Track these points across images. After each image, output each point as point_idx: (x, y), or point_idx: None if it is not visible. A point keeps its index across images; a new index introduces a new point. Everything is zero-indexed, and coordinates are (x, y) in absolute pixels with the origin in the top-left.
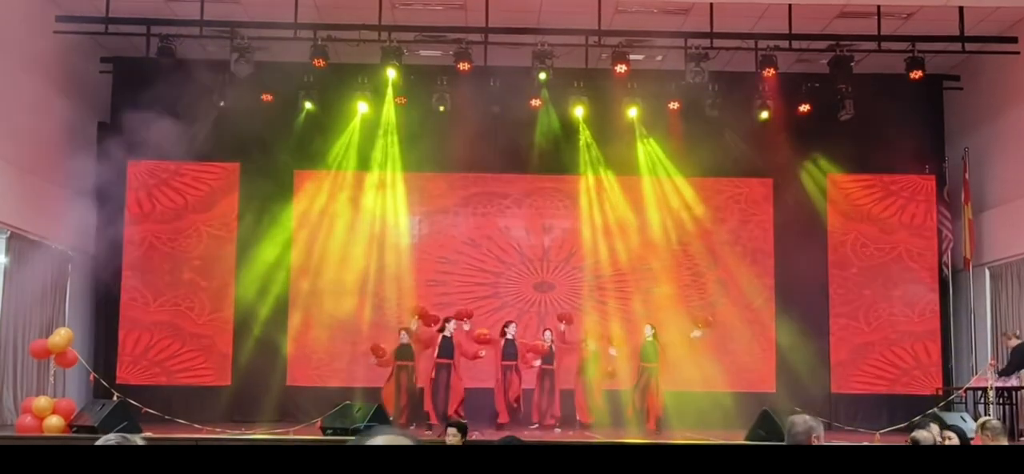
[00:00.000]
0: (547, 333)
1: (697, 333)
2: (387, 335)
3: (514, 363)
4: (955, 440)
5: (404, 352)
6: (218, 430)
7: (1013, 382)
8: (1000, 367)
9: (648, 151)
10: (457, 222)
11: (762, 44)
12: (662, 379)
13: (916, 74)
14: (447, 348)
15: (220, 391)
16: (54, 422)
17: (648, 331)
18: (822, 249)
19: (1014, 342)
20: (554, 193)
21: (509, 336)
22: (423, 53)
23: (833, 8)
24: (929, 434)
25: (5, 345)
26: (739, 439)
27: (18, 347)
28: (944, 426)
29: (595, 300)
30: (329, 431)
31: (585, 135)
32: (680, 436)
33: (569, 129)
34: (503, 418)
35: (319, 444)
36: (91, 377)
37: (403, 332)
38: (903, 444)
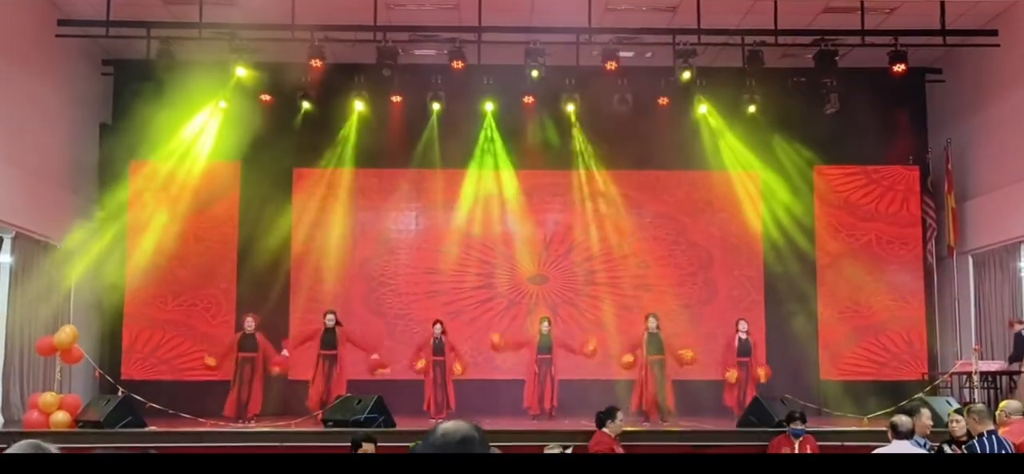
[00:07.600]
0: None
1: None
2: (384, 327)
3: (549, 356)
4: (963, 424)
5: (248, 343)
6: (221, 424)
7: (995, 367)
8: (1010, 352)
9: (637, 145)
10: (451, 216)
11: (748, 40)
12: (668, 371)
13: (899, 67)
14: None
15: (223, 385)
16: (60, 417)
17: (652, 322)
18: (809, 239)
19: (1019, 328)
20: (548, 187)
21: (544, 331)
22: (417, 52)
23: (818, 4)
24: (908, 419)
25: (12, 343)
26: (731, 426)
27: (24, 345)
28: (956, 411)
29: (588, 294)
30: (330, 423)
31: (577, 131)
32: (674, 424)
33: (561, 125)
34: (535, 410)
35: None
36: (96, 373)
37: (248, 320)
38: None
